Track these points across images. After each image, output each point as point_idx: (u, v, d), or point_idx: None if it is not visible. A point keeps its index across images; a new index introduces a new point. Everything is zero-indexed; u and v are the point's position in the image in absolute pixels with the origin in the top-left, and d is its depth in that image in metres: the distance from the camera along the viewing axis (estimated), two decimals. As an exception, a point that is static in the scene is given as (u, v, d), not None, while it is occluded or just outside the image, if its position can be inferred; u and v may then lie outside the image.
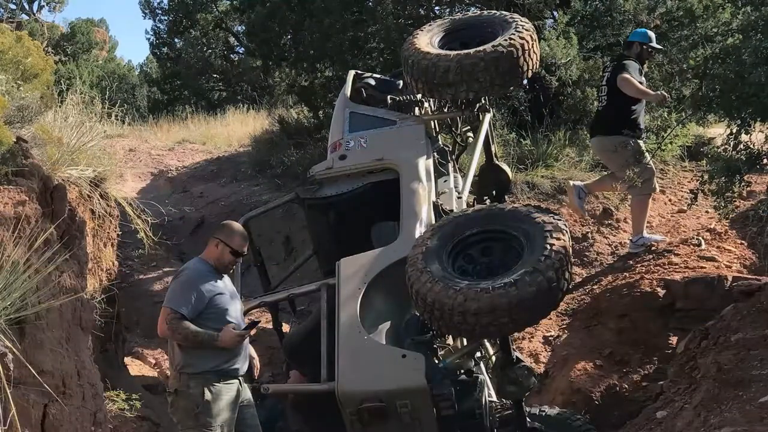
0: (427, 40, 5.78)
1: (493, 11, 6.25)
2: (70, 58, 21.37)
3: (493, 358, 5.02)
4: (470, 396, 4.48)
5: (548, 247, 4.19)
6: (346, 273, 4.80)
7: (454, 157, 6.04)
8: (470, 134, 6.26)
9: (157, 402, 6.23)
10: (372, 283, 4.71)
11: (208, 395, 4.22)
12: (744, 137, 5.01)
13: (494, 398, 5.01)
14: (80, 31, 23.26)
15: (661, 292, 6.21)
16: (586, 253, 7.78)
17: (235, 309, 4.46)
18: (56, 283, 4.17)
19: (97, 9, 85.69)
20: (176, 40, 19.76)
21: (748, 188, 6.83)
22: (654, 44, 7.00)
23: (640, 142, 6.77)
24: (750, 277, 6.17)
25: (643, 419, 5.15)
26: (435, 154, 5.57)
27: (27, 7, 24.67)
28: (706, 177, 5.30)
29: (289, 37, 10.78)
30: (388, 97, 5.97)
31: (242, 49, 19.17)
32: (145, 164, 12.56)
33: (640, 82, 6.73)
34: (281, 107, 15.94)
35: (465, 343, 4.82)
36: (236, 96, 19.28)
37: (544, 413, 5.24)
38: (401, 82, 6.13)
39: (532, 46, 5.53)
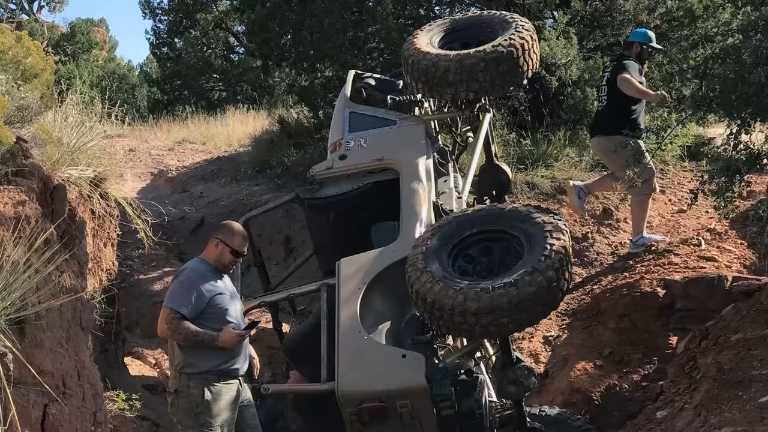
0: (427, 40, 5.79)
1: (493, 11, 6.25)
2: (70, 58, 21.39)
3: (493, 358, 5.02)
4: (470, 396, 4.47)
5: (548, 247, 4.20)
6: (346, 273, 4.80)
7: (454, 157, 6.05)
8: (470, 134, 6.26)
9: (157, 402, 6.22)
10: (372, 283, 4.72)
11: (208, 395, 4.22)
12: (744, 137, 5.00)
13: (494, 398, 5.01)
14: (80, 31, 23.30)
15: (661, 292, 6.21)
16: (586, 253, 7.77)
17: (235, 309, 4.46)
18: (56, 283, 4.16)
19: (97, 9, 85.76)
20: (176, 40, 19.82)
21: (748, 188, 6.80)
22: (654, 44, 7.00)
23: (640, 142, 6.77)
24: (750, 277, 6.16)
25: (643, 419, 5.14)
26: (435, 154, 5.58)
27: (27, 7, 24.75)
28: (706, 177, 5.30)
29: (289, 37, 10.78)
30: (388, 97, 5.98)
31: (242, 49, 19.21)
32: (145, 164, 12.56)
33: (640, 82, 6.73)
34: (281, 107, 15.96)
35: (465, 343, 4.82)
36: (236, 96, 19.31)
37: (544, 413, 5.23)
38: (401, 82, 6.13)
39: (532, 46, 5.54)
